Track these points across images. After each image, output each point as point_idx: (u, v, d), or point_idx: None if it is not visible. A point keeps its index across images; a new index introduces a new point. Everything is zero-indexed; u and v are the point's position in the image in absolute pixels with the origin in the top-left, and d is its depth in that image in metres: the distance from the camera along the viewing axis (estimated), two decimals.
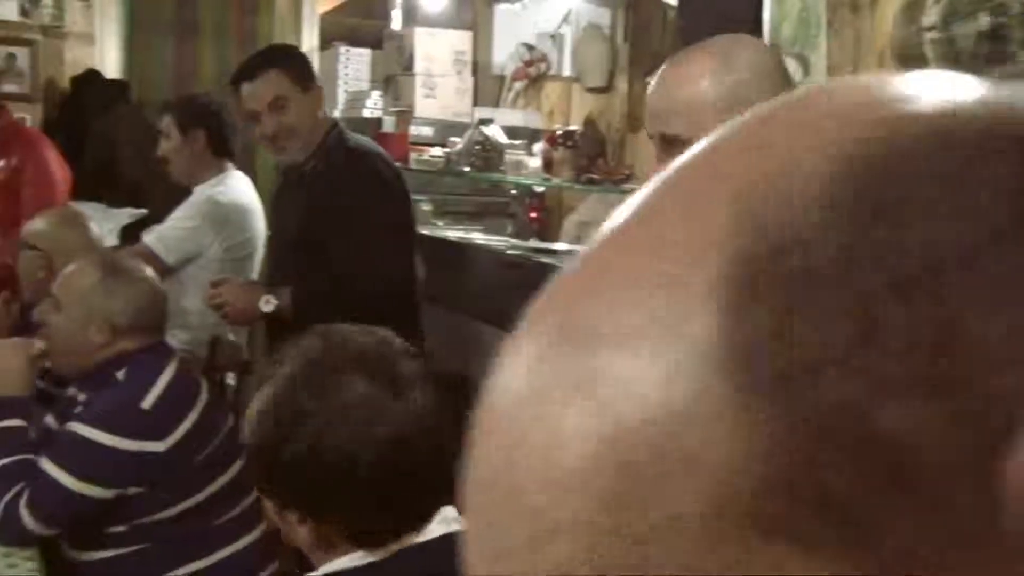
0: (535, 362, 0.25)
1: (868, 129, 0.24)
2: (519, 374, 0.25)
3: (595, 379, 0.24)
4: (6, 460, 2.02)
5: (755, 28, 2.86)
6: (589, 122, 4.09)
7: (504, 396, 0.26)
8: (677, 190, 0.26)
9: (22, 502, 1.97)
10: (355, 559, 1.16)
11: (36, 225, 2.84)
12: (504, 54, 4.79)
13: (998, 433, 0.21)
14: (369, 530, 1.16)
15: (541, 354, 0.25)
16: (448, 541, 1.15)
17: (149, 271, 2.29)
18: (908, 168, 0.23)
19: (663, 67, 1.45)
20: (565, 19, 4.38)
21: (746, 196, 0.24)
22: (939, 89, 0.25)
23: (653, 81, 1.45)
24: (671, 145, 1.36)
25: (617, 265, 0.25)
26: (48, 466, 1.98)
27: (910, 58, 2.14)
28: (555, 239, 4.04)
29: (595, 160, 3.88)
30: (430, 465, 1.15)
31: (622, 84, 4.08)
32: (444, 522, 1.18)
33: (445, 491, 1.16)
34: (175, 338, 2.99)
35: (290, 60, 2.71)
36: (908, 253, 0.22)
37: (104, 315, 2.10)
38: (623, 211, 0.26)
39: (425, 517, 1.17)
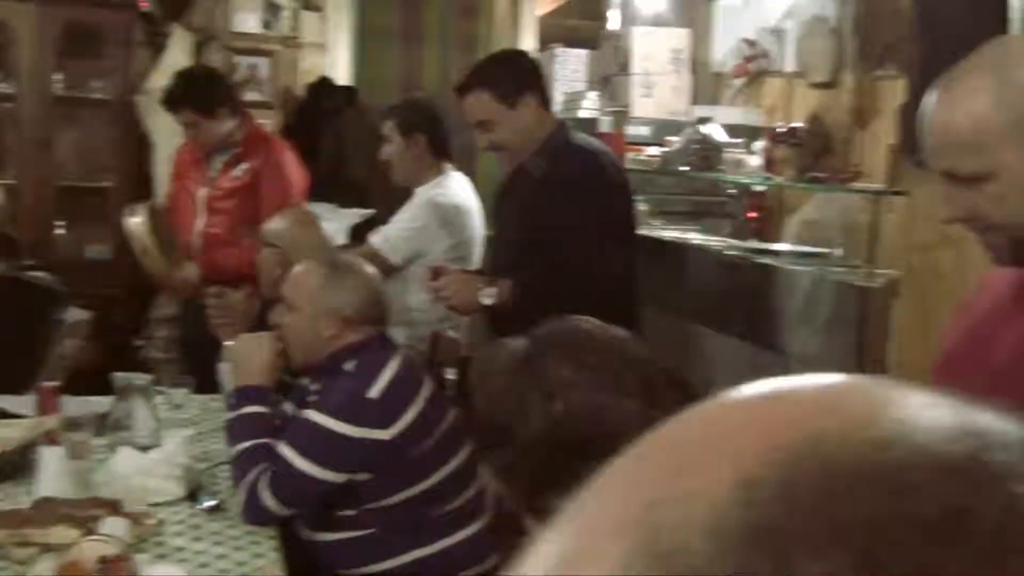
0: None
1: (765, 456, 0.27)
2: None
3: None
4: (249, 444, 2.16)
5: (1000, 7, 2.68)
6: (814, 118, 3.95)
7: None
8: (606, 486, 0.31)
9: (263, 484, 2.10)
10: None
11: (273, 225, 3.01)
12: (723, 51, 4.70)
13: None
14: None
15: None
16: None
17: (369, 267, 2.39)
18: (792, 500, 0.26)
19: (935, 93, 1.26)
20: (788, 13, 4.25)
21: (649, 514, 0.28)
22: (868, 407, 0.29)
23: (928, 108, 1.27)
24: (964, 183, 1.24)
25: (554, 531, 0.31)
26: (286, 450, 2.11)
27: None
28: (775, 239, 3.92)
29: (820, 158, 3.74)
30: None
31: (848, 78, 3.91)
32: None
33: None
34: (399, 334, 3.11)
35: (497, 78, 2.66)
36: None
37: (332, 309, 2.22)
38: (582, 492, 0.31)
39: None
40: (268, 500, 2.09)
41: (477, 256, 3.38)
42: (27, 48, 4.32)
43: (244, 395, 2.24)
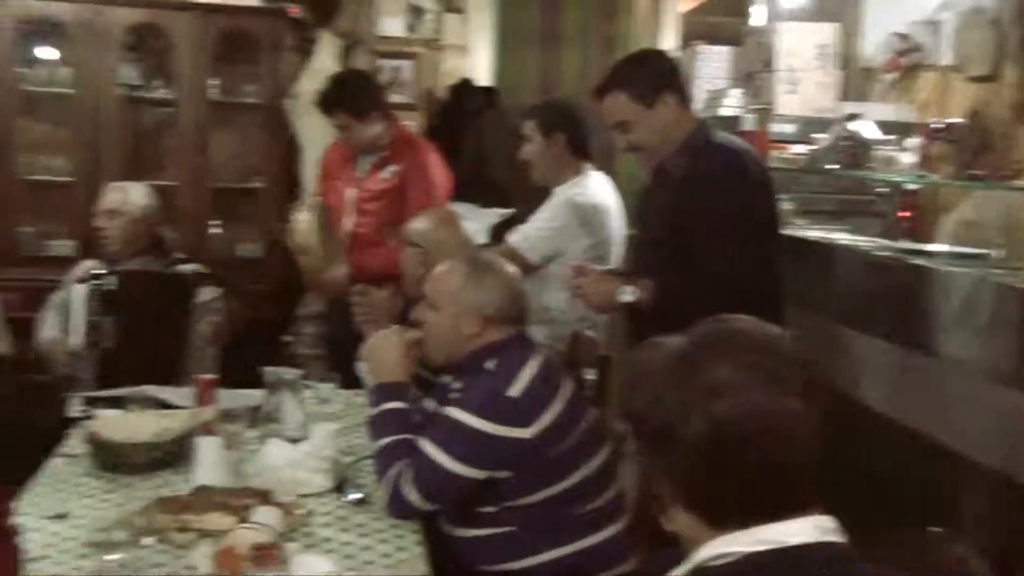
0: None
1: None
2: None
3: None
4: (391, 439, 2.20)
5: None
6: (973, 114, 3.77)
7: None
8: None
9: (405, 479, 2.14)
10: (724, 546, 1.15)
11: (417, 224, 3.05)
12: (873, 45, 4.54)
13: None
14: (739, 515, 1.15)
15: None
16: (828, 549, 1.14)
17: (509, 266, 2.39)
18: None
19: None
20: (944, 4, 4.07)
21: None
22: None
23: None
24: None
25: None
26: (428, 446, 2.14)
27: None
28: (929, 239, 3.76)
29: (979, 155, 3.57)
30: (800, 465, 1.15)
31: (1009, 72, 3.72)
32: (821, 530, 1.16)
33: (808, 493, 1.16)
34: (537, 333, 3.11)
35: (634, 79, 2.63)
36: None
37: (474, 308, 2.24)
38: None
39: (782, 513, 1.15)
40: (411, 494, 2.12)
41: (616, 256, 3.36)
42: (186, 55, 4.52)
43: (383, 392, 2.28)
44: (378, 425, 2.24)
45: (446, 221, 3.10)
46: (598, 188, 3.39)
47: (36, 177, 4.53)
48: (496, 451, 2.13)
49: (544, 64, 5.24)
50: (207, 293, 3.46)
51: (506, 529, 2.20)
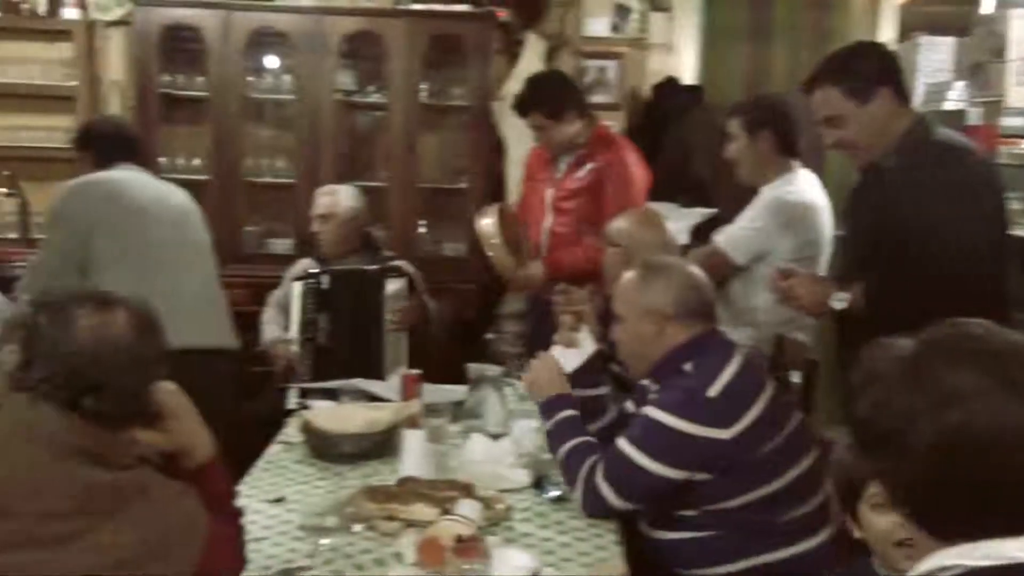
0: None
1: None
2: None
3: None
4: (571, 444, 2.26)
5: None
6: None
7: None
8: None
9: (598, 475, 2.14)
10: (948, 558, 1.09)
11: (618, 224, 3.05)
12: None
13: None
14: (968, 529, 1.08)
15: None
16: None
17: (688, 264, 2.39)
18: None
19: None
20: None
21: None
22: None
23: None
24: None
25: None
26: (624, 444, 2.15)
27: None
28: None
29: None
30: None
31: None
32: None
33: None
34: (743, 335, 3.04)
35: (847, 72, 2.51)
36: None
37: (651, 309, 2.26)
38: None
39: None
40: (605, 490, 2.13)
41: (826, 256, 3.24)
42: (398, 61, 4.68)
43: (551, 405, 2.38)
44: (555, 435, 2.31)
45: (649, 221, 3.08)
46: (807, 186, 3.27)
47: (259, 179, 4.81)
48: (693, 451, 2.11)
49: (752, 61, 5.11)
50: (393, 285, 3.59)
51: (706, 533, 2.16)
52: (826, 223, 3.25)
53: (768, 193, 3.24)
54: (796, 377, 2.99)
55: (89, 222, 3.06)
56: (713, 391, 2.13)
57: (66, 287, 2.80)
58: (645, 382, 2.35)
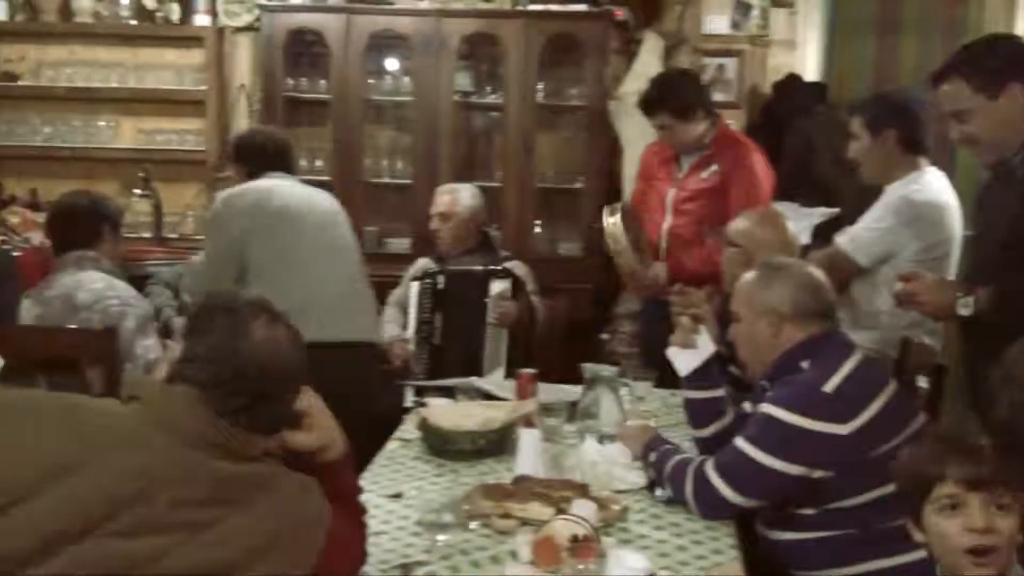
0: None
1: None
2: None
3: None
4: (672, 462, 2.26)
5: None
6: None
7: None
8: None
9: (708, 469, 2.14)
10: None
11: (738, 224, 3.00)
12: None
13: None
14: None
15: None
16: None
17: (806, 265, 2.39)
18: None
19: None
20: None
21: None
22: None
23: None
24: None
25: None
26: (740, 442, 2.15)
27: None
28: None
29: None
30: None
31: None
32: None
33: None
34: (867, 337, 2.96)
35: (977, 66, 2.43)
36: None
37: (768, 308, 2.26)
38: None
39: None
40: (716, 480, 2.12)
41: (955, 258, 3.13)
42: (515, 61, 4.71)
43: (647, 448, 2.38)
44: (657, 464, 2.31)
45: (769, 221, 3.02)
46: (935, 185, 3.15)
47: (379, 180, 4.90)
48: (810, 447, 2.08)
49: (880, 55, 4.96)
50: (498, 285, 3.61)
51: (826, 533, 2.13)
52: (955, 223, 3.13)
53: (893, 192, 3.13)
54: (923, 382, 2.90)
55: (242, 229, 3.20)
56: (829, 387, 2.12)
57: (227, 289, 2.97)
58: (763, 382, 2.32)
